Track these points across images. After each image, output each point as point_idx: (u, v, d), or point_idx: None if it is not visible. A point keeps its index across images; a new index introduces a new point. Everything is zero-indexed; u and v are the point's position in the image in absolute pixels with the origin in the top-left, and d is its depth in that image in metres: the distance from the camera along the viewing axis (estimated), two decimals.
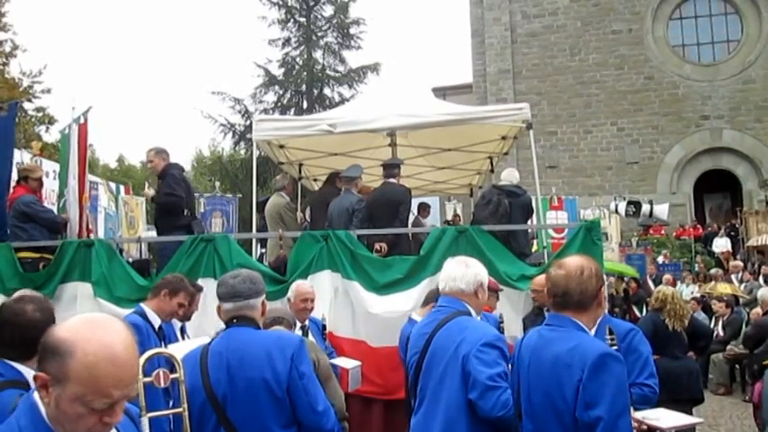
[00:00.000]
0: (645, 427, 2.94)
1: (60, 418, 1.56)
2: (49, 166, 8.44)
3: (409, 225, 9.20)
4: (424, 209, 11.83)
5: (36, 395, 1.62)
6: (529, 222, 7.79)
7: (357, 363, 4.95)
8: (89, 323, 1.60)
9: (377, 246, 6.48)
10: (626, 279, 13.01)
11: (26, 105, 19.87)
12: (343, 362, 4.99)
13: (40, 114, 21.78)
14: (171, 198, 6.57)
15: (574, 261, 2.74)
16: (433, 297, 4.77)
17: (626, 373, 2.51)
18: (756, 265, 16.57)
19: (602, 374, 2.39)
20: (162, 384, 2.77)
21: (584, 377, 2.40)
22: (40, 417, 1.59)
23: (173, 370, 2.84)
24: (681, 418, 3.12)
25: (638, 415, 3.01)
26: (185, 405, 2.75)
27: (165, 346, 3.99)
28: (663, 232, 20.79)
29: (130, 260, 6.98)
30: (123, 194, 12.76)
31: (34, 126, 21.00)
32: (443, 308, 3.25)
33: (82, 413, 1.53)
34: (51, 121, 21.64)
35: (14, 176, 6.75)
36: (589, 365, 2.40)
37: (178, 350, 3.13)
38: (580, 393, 2.40)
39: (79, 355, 1.51)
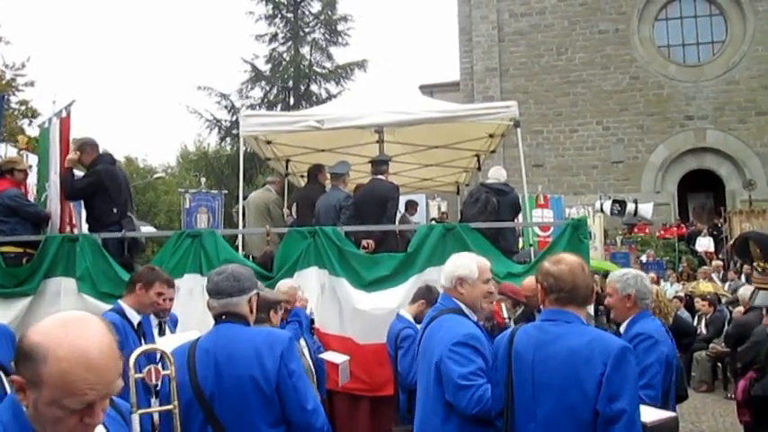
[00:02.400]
0: None
1: (40, 420, 1.54)
2: (34, 160, 8.32)
3: (396, 222, 9.19)
4: (411, 206, 11.83)
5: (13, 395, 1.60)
6: (516, 220, 7.81)
7: (345, 357, 4.95)
8: (62, 325, 1.55)
9: (364, 242, 6.46)
10: None
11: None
12: (332, 356, 4.98)
13: (23, 108, 21.51)
14: (72, 197, 6.45)
15: (571, 257, 2.74)
16: (421, 294, 4.79)
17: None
18: (739, 265, 16.73)
19: (624, 367, 2.43)
20: (153, 381, 2.73)
21: (608, 370, 2.41)
22: (23, 414, 1.57)
23: (162, 366, 2.81)
24: (656, 413, 3.14)
25: None
26: (176, 402, 2.71)
27: (145, 342, 3.94)
28: (647, 231, 20.97)
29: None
30: None
31: (17, 120, 20.74)
32: (438, 305, 3.33)
33: (60, 416, 1.52)
34: (34, 114, 21.36)
35: None
36: (612, 359, 2.43)
37: (166, 345, 3.10)
38: (603, 386, 2.41)
39: (51, 361, 1.48)
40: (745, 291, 8.97)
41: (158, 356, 3.04)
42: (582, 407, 2.44)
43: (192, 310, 4.98)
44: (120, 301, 4.20)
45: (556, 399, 2.50)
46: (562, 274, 2.64)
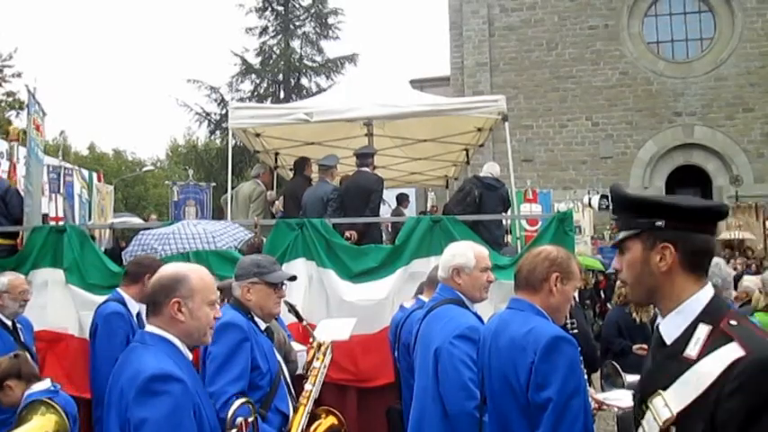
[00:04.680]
0: (605, 407, 2.98)
1: (198, 325, 2.30)
2: (23, 153, 8.31)
3: (389, 214, 9.21)
4: (404, 199, 11.89)
5: (153, 328, 2.27)
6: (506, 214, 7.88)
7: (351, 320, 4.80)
8: (174, 264, 2.67)
9: (347, 233, 6.48)
10: (595, 272, 13.17)
11: None
12: (333, 330, 4.91)
13: (11, 99, 21.36)
14: None
15: (541, 246, 2.79)
16: (423, 286, 4.81)
17: (578, 355, 2.52)
18: (726, 260, 16.88)
19: (553, 357, 2.40)
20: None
21: (536, 359, 2.41)
22: (166, 340, 2.26)
23: None
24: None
25: (599, 396, 3.05)
26: None
27: None
28: None
29: (102, 248, 6.88)
30: (96, 182, 12.58)
31: (4, 111, 20.60)
32: (437, 295, 3.27)
33: (208, 312, 2.33)
34: (22, 106, 21.22)
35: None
36: (541, 348, 2.42)
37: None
38: (532, 375, 2.42)
39: (193, 277, 2.34)
40: (749, 283, 9.02)
41: None
42: (519, 394, 2.47)
43: None
44: (120, 291, 4.20)
45: (501, 385, 2.54)
46: (519, 263, 2.74)
